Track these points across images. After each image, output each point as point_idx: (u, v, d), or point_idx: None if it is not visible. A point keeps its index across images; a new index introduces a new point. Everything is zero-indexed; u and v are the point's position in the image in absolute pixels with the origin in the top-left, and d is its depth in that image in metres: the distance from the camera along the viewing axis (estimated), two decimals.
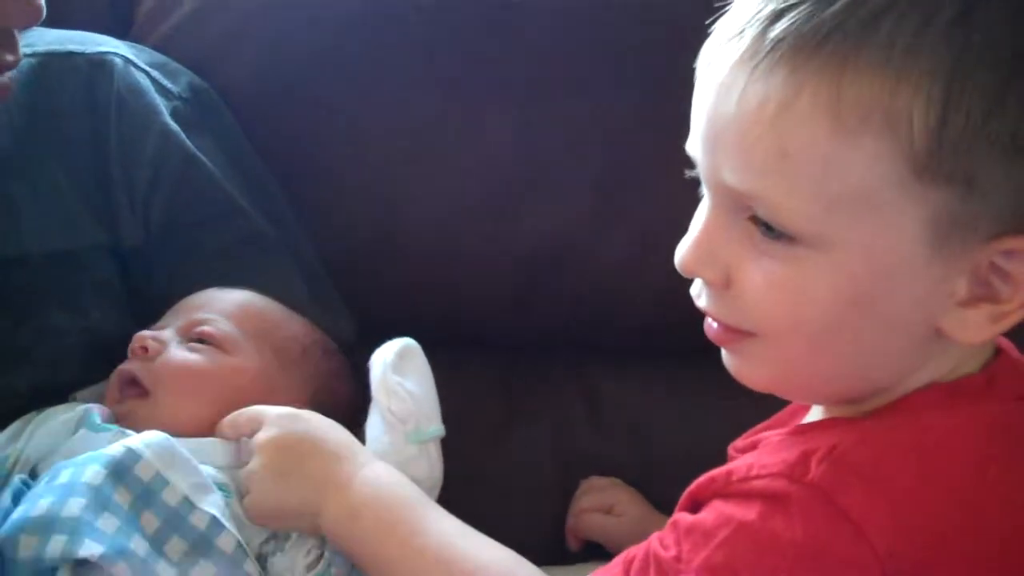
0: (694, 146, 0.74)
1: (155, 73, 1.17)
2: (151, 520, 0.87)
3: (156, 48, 1.23)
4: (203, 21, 1.25)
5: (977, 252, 0.69)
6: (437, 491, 0.97)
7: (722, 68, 0.70)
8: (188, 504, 0.88)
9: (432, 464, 0.96)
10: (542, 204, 1.20)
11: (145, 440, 0.90)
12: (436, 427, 0.97)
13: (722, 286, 0.73)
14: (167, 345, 1.01)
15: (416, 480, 0.93)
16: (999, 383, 0.75)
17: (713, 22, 0.72)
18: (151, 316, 1.07)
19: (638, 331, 1.23)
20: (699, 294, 0.76)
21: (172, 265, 1.13)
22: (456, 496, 0.93)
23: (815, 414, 0.82)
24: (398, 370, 0.97)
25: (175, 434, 0.92)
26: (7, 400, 1.02)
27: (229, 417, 0.97)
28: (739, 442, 0.85)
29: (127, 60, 1.15)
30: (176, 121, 1.14)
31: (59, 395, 1.03)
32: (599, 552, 1.10)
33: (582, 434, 1.21)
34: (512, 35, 1.20)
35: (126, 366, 1.01)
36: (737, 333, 0.75)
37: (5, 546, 0.82)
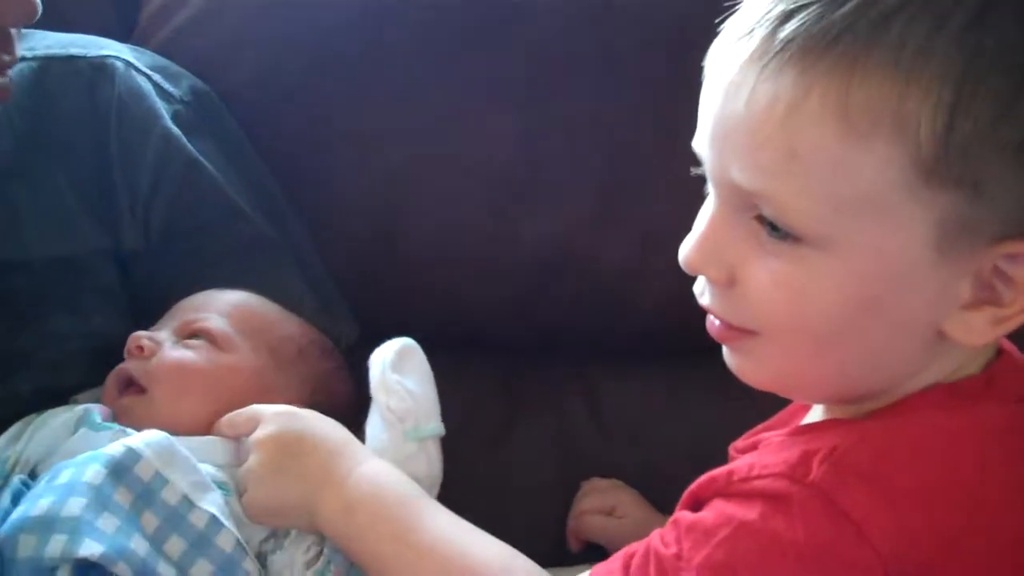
0: (701, 144, 0.74)
1: (156, 77, 1.17)
2: (151, 519, 0.87)
3: (159, 51, 1.23)
4: (205, 25, 1.26)
5: (981, 255, 0.69)
6: (436, 489, 0.97)
7: (731, 67, 0.70)
8: (187, 503, 0.88)
9: (431, 462, 0.96)
10: (543, 206, 1.20)
11: (145, 439, 0.89)
12: (435, 425, 0.97)
13: (726, 284, 0.73)
14: (162, 345, 1.01)
15: (415, 478, 0.93)
16: (1000, 384, 0.75)
17: (721, 21, 0.73)
18: (153, 320, 1.07)
19: (639, 333, 1.23)
20: (702, 292, 0.77)
21: (173, 269, 1.13)
22: (457, 498, 0.93)
23: (816, 415, 0.82)
24: (397, 369, 0.97)
25: (174, 432, 0.92)
26: (9, 404, 1.02)
27: (228, 416, 0.97)
28: (740, 442, 0.85)
29: (128, 64, 1.15)
30: (177, 125, 1.14)
31: (61, 399, 1.03)
32: (600, 554, 1.10)
33: (583, 436, 1.21)
34: (513, 38, 1.21)
35: (122, 366, 1.01)
36: (739, 331, 0.75)
37: (5, 546, 0.82)
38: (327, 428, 0.95)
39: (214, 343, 1.02)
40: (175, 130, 1.14)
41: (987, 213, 0.67)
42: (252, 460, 0.93)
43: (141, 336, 1.01)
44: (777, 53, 0.67)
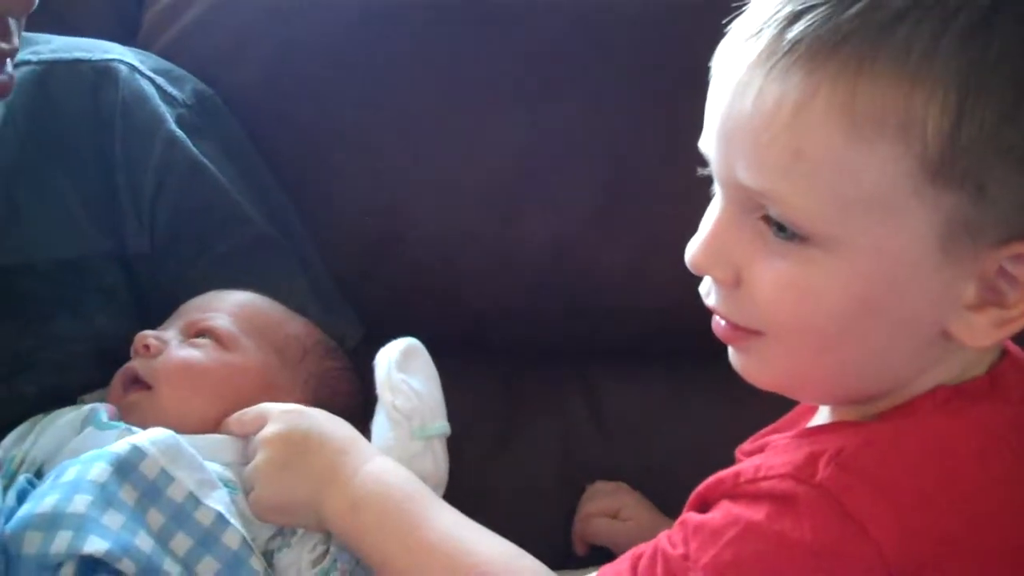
0: (707, 144, 0.74)
1: (160, 80, 1.17)
2: (156, 517, 0.87)
3: (162, 54, 1.24)
4: (209, 27, 1.26)
5: (986, 256, 0.69)
6: (442, 489, 0.96)
7: (739, 67, 0.70)
8: (194, 500, 0.88)
9: (437, 462, 0.96)
10: (546, 208, 1.20)
11: (151, 437, 0.90)
12: (441, 424, 0.97)
13: (732, 285, 0.74)
14: (169, 343, 1.02)
15: (422, 477, 0.93)
16: (1004, 386, 0.75)
17: (728, 22, 0.73)
18: (157, 322, 1.07)
19: (641, 335, 1.23)
20: (708, 292, 0.77)
21: (178, 271, 1.13)
22: (461, 501, 0.92)
23: (822, 417, 0.82)
24: (403, 368, 0.98)
25: (180, 431, 0.92)
26: (15, 406, 1.02)
27: (236, 414, 0.97)
28: (746, 445, 0.85)
29: (132, 67, 1.15)
30: (181, 128, 1.15)
31: (66, 401, 1.04)
32: (606, 556, 1.10)
33: (587, 438, 1.21)
34: (515, 41, 1.21)
35: (129, 364, 1.01)
36: (745, 332, 0.75)
37: (11, 543, 0.82)
38: (334, 426, 0.95)
39: (220, 342, 1.03)
40: (179, 133, 1.14)
41: (991, 215, 0.68)
42: (259, 458, 0.93)
43: (148, 335, 1.02)
44: (785, 54, 0.68)
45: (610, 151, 1.19)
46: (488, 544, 0.87)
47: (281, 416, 0.95)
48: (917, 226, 0.68)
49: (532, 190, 1.21)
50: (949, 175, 0.66)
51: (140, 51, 1.21)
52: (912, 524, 0.68)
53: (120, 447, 0.88)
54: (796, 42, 0.67)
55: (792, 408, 0.87)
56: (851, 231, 0.69)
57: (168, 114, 1.15)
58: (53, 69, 1.12)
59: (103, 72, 1.14)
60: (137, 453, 0.88)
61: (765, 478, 0.72)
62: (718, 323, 0.77)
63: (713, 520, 0.73)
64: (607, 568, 0.78)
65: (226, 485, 0.92)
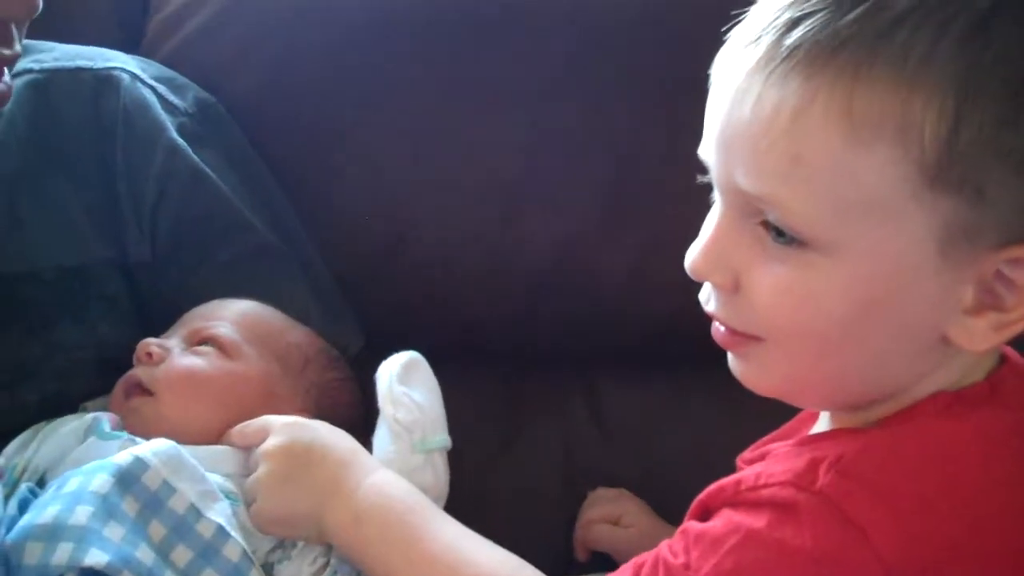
0: (707, 151, 0.74)
1: (161, 88, 1.17)
2: (158, 528, 0.87)
3: (166, 62, 1.24)
4: (212, 36, 1.26)
5: (984, 260, 0.69)
6: (443, 502, 0.96)
7: (738, 73, 0.70)
8: (195, 512, 0.88)
9: (438, 474, 0.96)
10: (547, 214, 1.20)
11: (153, 449, 0.89)
12: (442, 437, 0.97)
13: (731, 290, 0.74)
14: (171, 351, 1.02)
15: (422, 490, 0.93)
16: (1004, 391, 0.75)
17: (728, 29, 0.73)
18: (160, 330, 1.07)
19: (643, 341, 1.23)
20: (707, 298, 0.77)
21: (180, 279, 1.13)
22: (463, 508, 0.92)
23: (823, 424, 0.82)
24: (404, 381, 0.97)
25: (181, 438, 0.92)
26: (17, 413, 1.02)
27: (239, 426, 0.97)
28: (747, 453, 0.85)
29: (134, 76, 1.15)
30: (183, 136, 1.15)
31: (68, 408, 1.03)
32: (607, 562, 1.10)
33: (589, 445, 1.21)
34: (516, 41, 1.21)
35: (131, 372, 1.01)
36: (745, 337, 0.75)
37: (12, 553, 0.82)
38: (336, 439, 0.95)
39: (222, 350, 1.03)
40: (180, 141, 1.14)
41: (990, 218, 0.67)
42: (261, 470, 0.93)
43: (150, 343, 1.02)
44: (783, 60, 0.68)
45: (611, 152, 1.19)
46: (490, 555, 0.87)
47: (283, 428, 0.95)
48: (915, 230, 0.68)
49: (533, 191, 1.21)
50: (947, 179, 0.66)
51: (142, 59, 1.21)
52: (913, 529, 0.68)
53: (122, 458, 0.88)
54: (794, 48, 0.67)
55: (793, 414, 0.87)
56: (850, 235, 0.69)
57: (169, 123, 1.15)
58: (55, 77, 1.12)
59: (105, 80, 1.14)
60: (139, 464, 0.88)
61: (766, 486, 0.72)
62: (717, 329, 0.77)
63: (714, 528, 0.73)
64: None
65: (227, 497, 0.91)
